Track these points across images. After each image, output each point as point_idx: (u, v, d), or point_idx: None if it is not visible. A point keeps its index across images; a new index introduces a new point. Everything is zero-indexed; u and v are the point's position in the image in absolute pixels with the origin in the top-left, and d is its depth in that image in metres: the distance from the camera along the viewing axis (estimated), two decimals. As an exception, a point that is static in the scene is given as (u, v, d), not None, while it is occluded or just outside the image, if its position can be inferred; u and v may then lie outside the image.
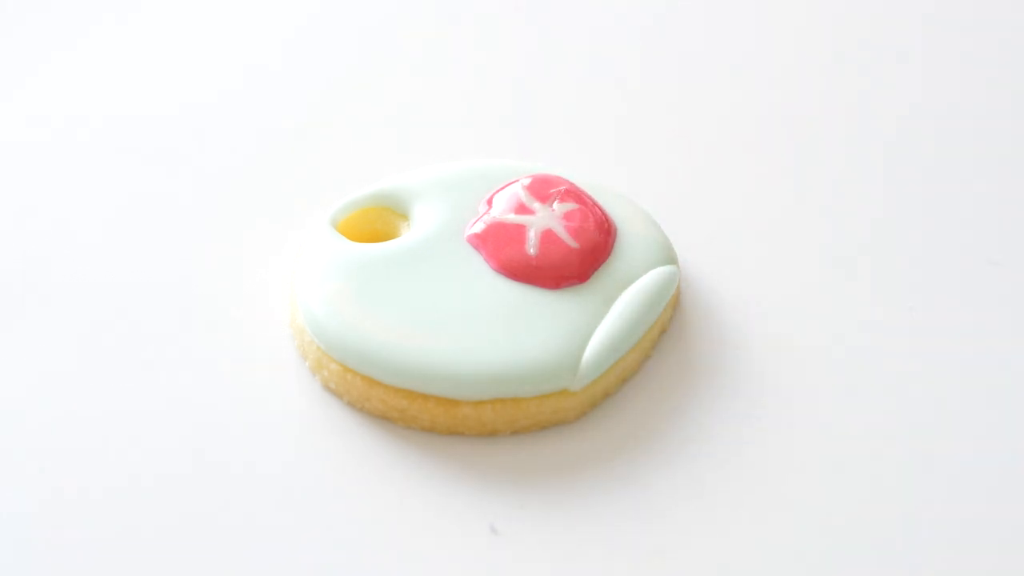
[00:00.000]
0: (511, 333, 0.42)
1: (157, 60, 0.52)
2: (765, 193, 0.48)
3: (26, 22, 0.53)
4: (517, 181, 0.45)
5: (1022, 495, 0.41)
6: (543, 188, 0.45)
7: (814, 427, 0.43)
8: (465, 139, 0.50)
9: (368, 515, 0.41)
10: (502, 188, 0.45)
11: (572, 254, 0.44)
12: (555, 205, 0.45)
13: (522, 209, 0.45)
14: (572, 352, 0.42)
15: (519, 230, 0.44)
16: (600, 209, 0.45)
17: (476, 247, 0.44)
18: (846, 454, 0.42)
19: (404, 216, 0.46)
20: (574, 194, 0.45)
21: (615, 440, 0.42)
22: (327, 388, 0.43)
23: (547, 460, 0.42)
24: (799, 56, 0.53)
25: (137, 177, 0.49)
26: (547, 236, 0.44)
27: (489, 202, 0.45)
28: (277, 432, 0.42)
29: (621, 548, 0.40)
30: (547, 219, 0.44)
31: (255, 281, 0.46)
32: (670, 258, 0.45)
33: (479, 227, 0.44)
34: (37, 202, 0.48)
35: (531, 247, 0.44)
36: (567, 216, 0.44)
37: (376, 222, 0.46)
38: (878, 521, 0.41)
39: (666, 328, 0.45)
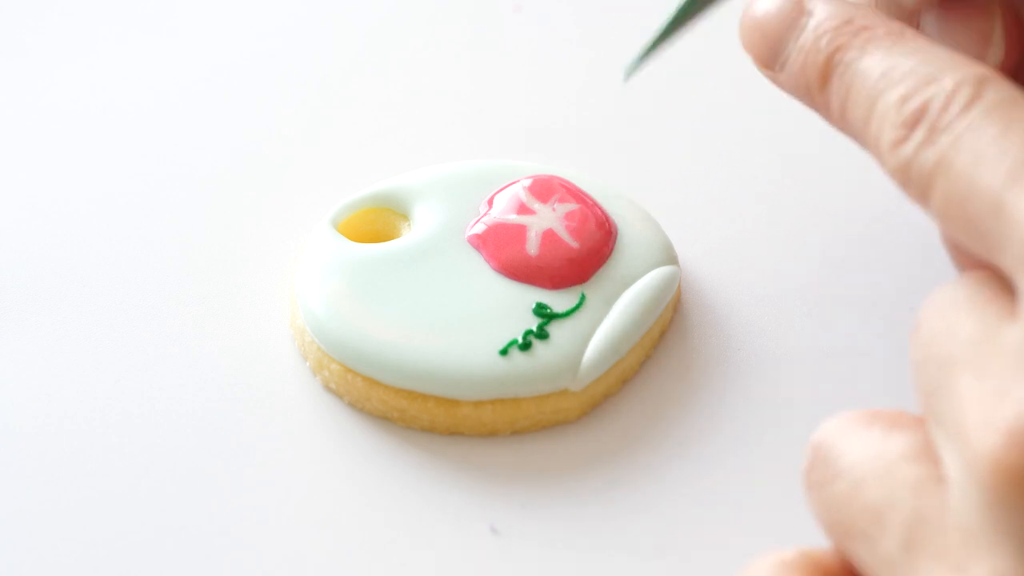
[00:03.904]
0: (511, 333, 0.42)
1: (157, 62, 0.52)
2: (766, 193, 0.48)
3: (30, 26, 0.53)
4: (518, 181, 0.45)
5: None
6: (544, 188, 0.45)
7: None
8: (465, 139, 0.50)
9: (368, 515, 0.41)
10: (503, 188, 0.45)
11: (573, 254, 0.44)
12: (556, 205, 0.45)
13: (523, 209, 0.45)
14: (572, 352, 0.42)
15: (520, 230, 0.44)
16: (600, 209, 0.45)
17: (477, 247, 0.44)
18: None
19: (405, 216, 0.46)
20: (575, 194, 0.45)
21: (615, 440, 0.42)
22: (328, 388, 0.43)
23: (547, 460, 0.42)
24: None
25: (137, 177, 0.49)
26: (548, 236, 0.44)
27: (490, 202, 0.45)
28: (277, 432, 0.43)
29: (621, 548, 0.40)
30: (548, 219, 0.44)
31: (255, 281, 0.46)
32: (670, 259, 0.45)
33: (480, 227, 0.44)
34: (37, 201, 0.48)
35: (532, 247, 0.44)
36: (568, 216, 0.44)
37: (377, 222, 0.46)
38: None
39: (666, 328, 0.45)
